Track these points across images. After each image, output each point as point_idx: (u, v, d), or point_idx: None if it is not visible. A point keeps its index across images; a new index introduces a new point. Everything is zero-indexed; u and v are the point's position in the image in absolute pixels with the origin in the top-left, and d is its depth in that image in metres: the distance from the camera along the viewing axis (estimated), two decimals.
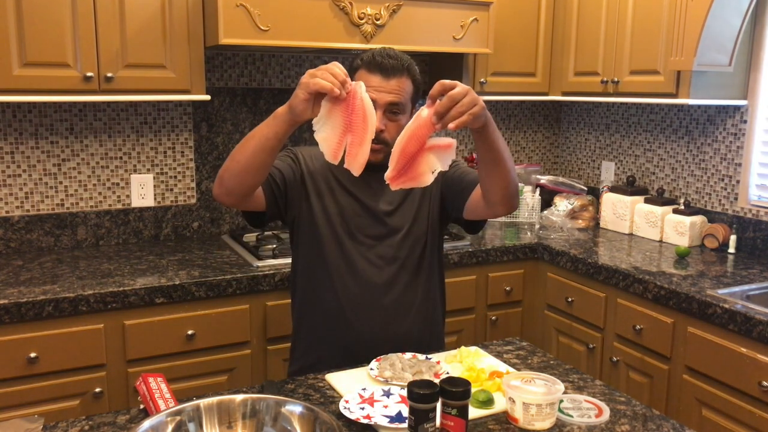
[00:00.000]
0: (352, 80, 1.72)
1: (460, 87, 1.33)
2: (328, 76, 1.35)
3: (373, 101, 1.65)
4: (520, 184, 3.31)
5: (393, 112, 1.69)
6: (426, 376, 1.54)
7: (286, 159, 1.78)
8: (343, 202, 1.77)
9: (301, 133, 2.98)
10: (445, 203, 1.82)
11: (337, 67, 1.37)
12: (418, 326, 1.82)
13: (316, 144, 1.41)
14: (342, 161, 1.40)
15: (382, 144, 1.69)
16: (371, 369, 1.58)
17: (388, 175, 1.38)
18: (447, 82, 1.34)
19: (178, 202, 2.85)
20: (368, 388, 1.48)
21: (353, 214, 1.77)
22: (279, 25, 2.39)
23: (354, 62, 1.74)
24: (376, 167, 1.76)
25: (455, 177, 1.78)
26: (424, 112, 1.34)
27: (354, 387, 1.50)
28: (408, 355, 1.66)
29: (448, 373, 1.56)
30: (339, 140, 1.35)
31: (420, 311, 1.82)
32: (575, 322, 2.72)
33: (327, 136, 1.36)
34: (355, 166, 1.36)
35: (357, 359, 1.67)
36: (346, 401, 1.42)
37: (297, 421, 1.22)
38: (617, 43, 2.82)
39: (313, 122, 1.38)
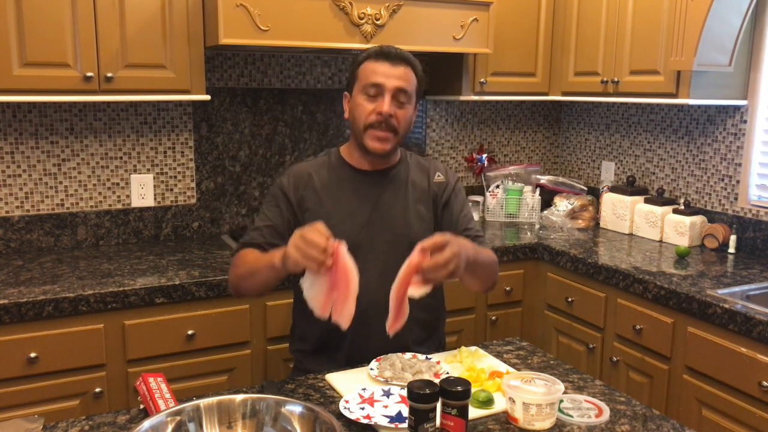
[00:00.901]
0: (357, 72, 1.73)
1: (447, 253, 1.36)
2: (312, 250, 1.38)
3: (381, 86, 1.67)
4: (520, 184, 3.30)
5: (400, 100, 1.69)
6: (426, 376, 1.54)
7: (273, 210, 1.78)
8: (343, 208, 1.75)
9: (301, 133, 2.98)
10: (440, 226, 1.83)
11: (320, 236, 1.39)
12: (419, 336, 1.81)
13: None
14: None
15: (390, 132, 1.69)
16: (371, 369, 1.58)
17: (389, 325, 1.43)
18: (440, 241, 1.37)
19: (178, 202, 2.85)
20: (368, 388, 1.48)
21: (360, 224, 1.75)
22: (279, 25, 2.39)
23: (358, 57, 1.74)
24: (377, 169, 1.76)
25: (453, 216, 1.80)
26: (415, 258, 1.39)
27: (354, 387, 1.50)
28: (408, 355, 1.66)
29: (448, 373, 1.56)
30: (326, 298, 1.44)
31: (420, 322, 1.80)
32: (575, 322, 2.72)
33: (315, 295, 1.45)
34: (342, 321, 1.43)
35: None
36: (346, 401, 1.42)
37: (297, 421, 1.22)
38: (617, 43, 2.82)
39: (300, 282, 1.47)
